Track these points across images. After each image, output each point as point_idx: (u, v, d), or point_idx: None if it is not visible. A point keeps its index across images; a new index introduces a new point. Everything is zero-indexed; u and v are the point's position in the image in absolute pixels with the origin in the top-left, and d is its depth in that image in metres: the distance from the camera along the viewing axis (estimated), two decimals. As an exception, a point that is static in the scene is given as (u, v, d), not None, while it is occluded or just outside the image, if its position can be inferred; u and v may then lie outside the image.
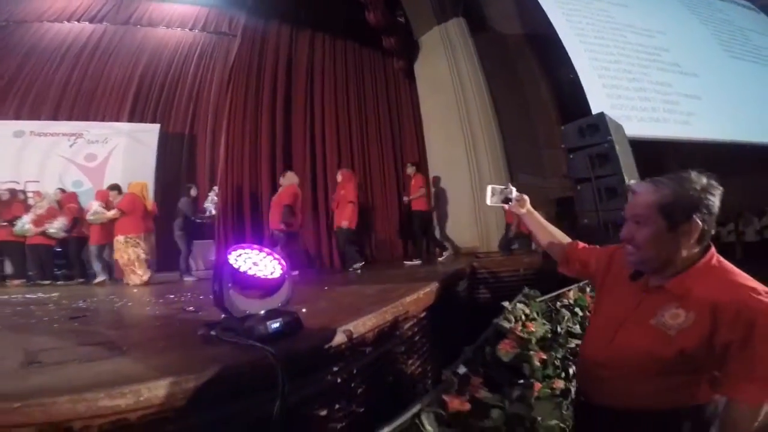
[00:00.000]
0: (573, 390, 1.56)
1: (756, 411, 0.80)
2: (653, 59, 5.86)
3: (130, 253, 4.45)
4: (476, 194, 6.09)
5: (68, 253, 5.39)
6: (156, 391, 1.00)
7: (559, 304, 2.48)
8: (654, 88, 5.61)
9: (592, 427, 1.04)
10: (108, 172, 6.46)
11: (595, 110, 4.63)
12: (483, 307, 3.70)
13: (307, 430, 1.27)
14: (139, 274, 4.44)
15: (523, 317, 2.03)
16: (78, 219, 5.27)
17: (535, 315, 2.13)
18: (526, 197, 1.39)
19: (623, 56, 5.69)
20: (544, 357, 1.70)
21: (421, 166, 6.66)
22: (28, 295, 3.70)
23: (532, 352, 1.68)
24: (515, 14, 7.08)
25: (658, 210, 0.90)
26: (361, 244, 5.74)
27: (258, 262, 1.29)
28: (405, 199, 5.94)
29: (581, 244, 1.29)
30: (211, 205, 6.34)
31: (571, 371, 1.74)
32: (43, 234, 5.18)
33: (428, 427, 1.04)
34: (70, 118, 6.79)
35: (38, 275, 5.14)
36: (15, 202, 5.67)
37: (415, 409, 1.11)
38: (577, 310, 2.46)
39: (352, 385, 1.47)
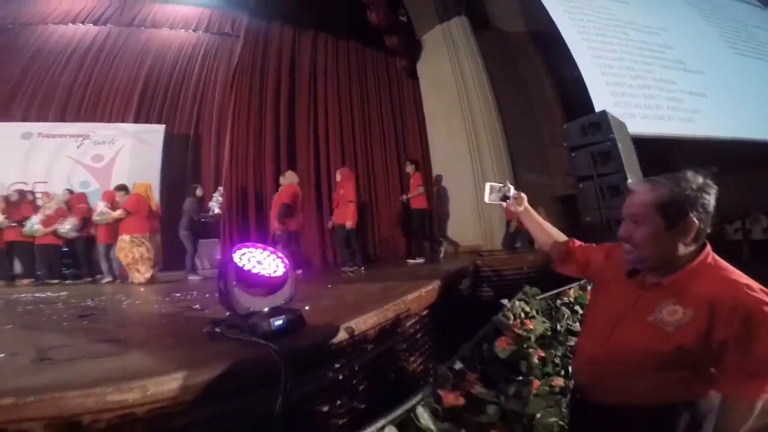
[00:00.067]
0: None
1: (752, 407, 0.81)
2: (657, 56, 5.80)
3: (135, 252, 4.54)
4: (479, 193, 6.06)
5: (76, 253, 5.45)
6: (162, 386, 1.03)
7: (559, 302, 2.48)
8: (658, 85, 5.55)
9: (589, 423, 1.04)
10: (115, 173, 6.55)
11: (598, 108, 4.59)
12: (486, 305, 3.71)
13: (310, 426, 1.29)
14: (141, 272, 4.53)
15: (522, 315, 2.03)
16: (88, 219, 5.34)
17: (535, 313, 2.14)
18: (523, 195, 1.37)
19: (626, 54, 5.63)
20: (543, 354, 1.71)
21: (424, 164, 6.66)
22: (37, 294, 3.75)
23: (530, 350, 1.68)
24: (518, 12, 7.04)
25: (655, 209, 0.91)
26: (363, 243, 5.75)
27: (262, 261, 1.32)
28: (402, 197, 5.92)
29: (577, 243, 1.29)
30: (215, 204, 6.39)
31: (570, 369, 1.74)
32: (53, 234, 5.25)
33: (423, 421, 1.05)
34: (76, 120, 6.88)
35: (47, 275, 5.21)
36: (24, 203, 5.74)
37: (410, 403, 1.12)
38: (577, 308, 2.45)
39: (354, 381, 1.49)
